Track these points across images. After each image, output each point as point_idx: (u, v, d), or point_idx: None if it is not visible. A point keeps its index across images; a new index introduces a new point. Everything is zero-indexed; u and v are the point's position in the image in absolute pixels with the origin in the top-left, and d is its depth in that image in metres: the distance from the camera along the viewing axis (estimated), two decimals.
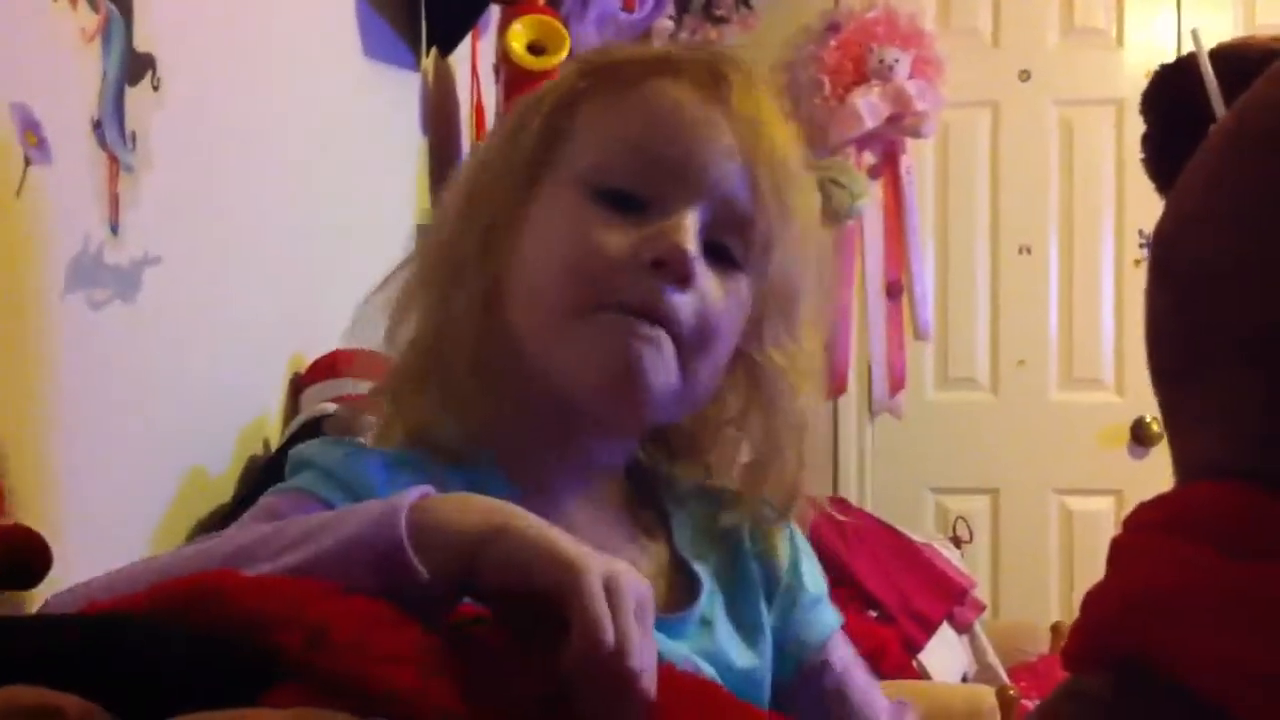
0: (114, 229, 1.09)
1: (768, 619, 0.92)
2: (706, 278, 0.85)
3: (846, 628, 0.98)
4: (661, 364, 0.84)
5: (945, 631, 2.58)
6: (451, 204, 0.92)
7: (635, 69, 0.89)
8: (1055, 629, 3.02)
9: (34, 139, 0.98)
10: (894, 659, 2.38)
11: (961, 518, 3.28)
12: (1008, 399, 3.56)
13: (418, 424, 0.88)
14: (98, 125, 1.07)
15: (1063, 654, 0.65)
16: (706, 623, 0.89)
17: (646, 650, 0.65)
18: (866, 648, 2.28)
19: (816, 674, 0.93)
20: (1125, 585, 0.63)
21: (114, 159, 1.09)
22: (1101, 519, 3.52)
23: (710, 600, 0.90)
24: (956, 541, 3.04)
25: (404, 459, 0.85)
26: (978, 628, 2.70)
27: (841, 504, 2.81)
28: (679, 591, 0.90)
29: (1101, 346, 3.53)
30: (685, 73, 0.88)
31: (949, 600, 2.59)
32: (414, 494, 0.68)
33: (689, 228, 0.84)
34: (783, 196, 0.87)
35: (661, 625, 0.78)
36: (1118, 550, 0.67)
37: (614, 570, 0.65)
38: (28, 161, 0.97)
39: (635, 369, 0.83)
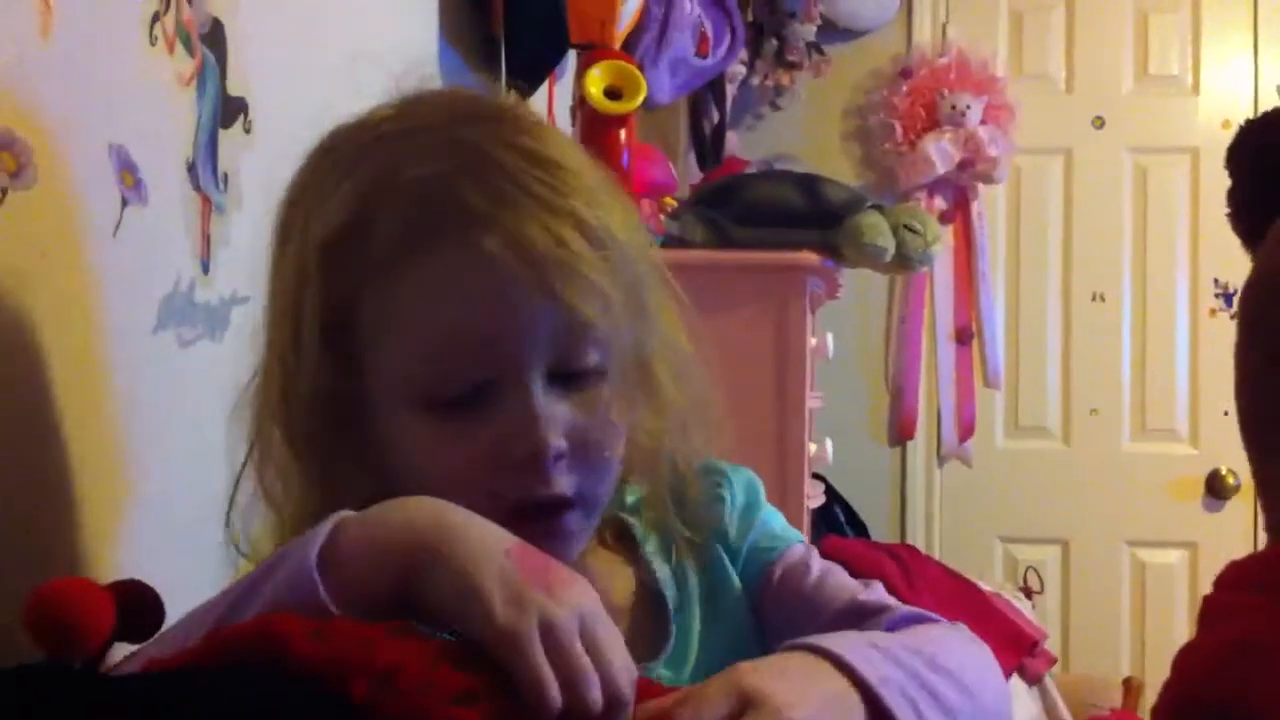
0: (205, 268, 1.11)
1: (735, 576, 0.94)
2: (573, 420, 0.81)
3: None
4: (577, 529, 0.84)
5: (1015, 683, 2.55)
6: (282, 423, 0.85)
7: (384, 247, 0.80)
8: (1127, 683, 2.98)
9: (131, 180, 1.01)
10: None
11: (1032, 568, 3.24)
12: (1079, 448, 3.52)
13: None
14: (192, 167, 1.09)
15: (1154, 713, 0.65)
16: (681, 659, 0.90)
17: (613, 674, 0.65)
18: None
19: (789, 579, 0.93)
20: (1219, 642, 0.63)
21: (207, 199, 1.11)
22: (1174, 572, 3.47)
23: (683, 616, 0.91)
24: (1027, 592, 3.00)
25: None
26: (1048, 680, 2.66)
27: (909, 551, 2.79)
28: (651, 625, 0.91)
29: (1176, 396, 3.48)
30: (432, 236, 0.79)
31: (1019, 652, 2.56)
32: (322, 535, 0.68)
33: (539, 408, 0.80)
34: (600, 291, 0.80)
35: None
36: (1210, 608, 0.66)
37: (548, 612, 0.65)
38: (125, 202, 1.00)
39: (560, 553, 0.78)
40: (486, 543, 0.69)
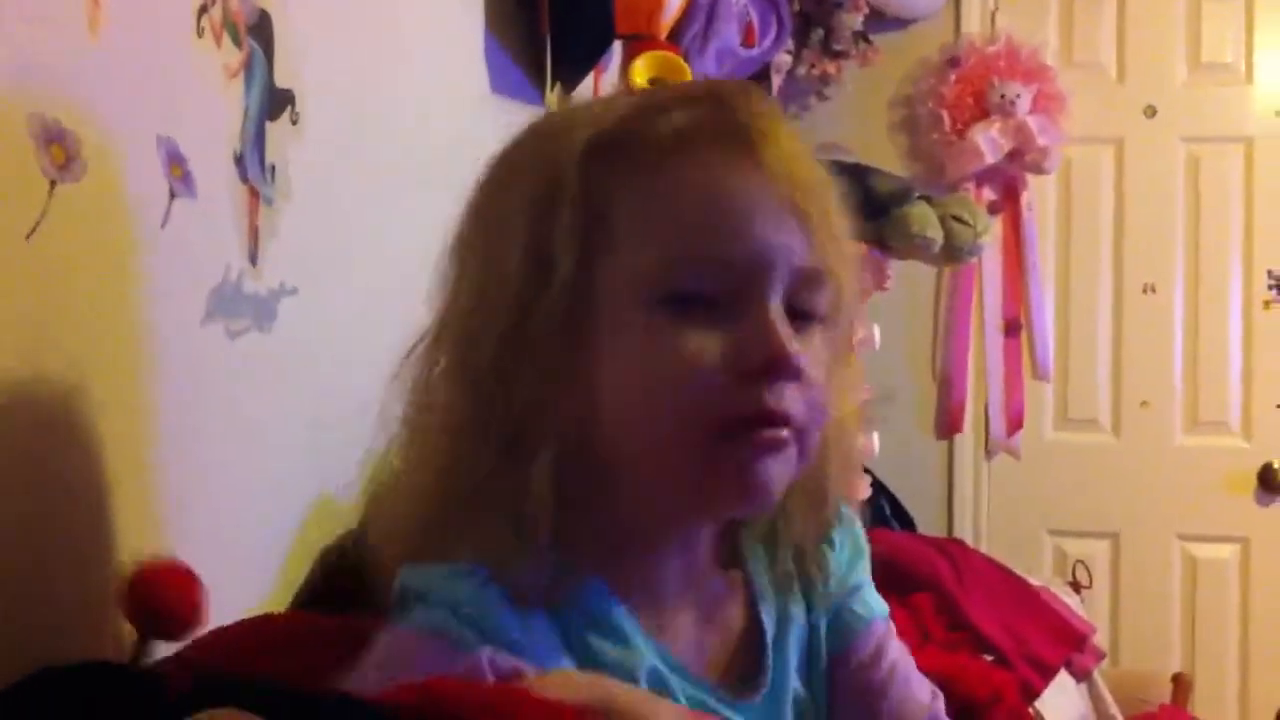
0: (253, 259, 1.11)
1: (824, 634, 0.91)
2: (803, 356, 0.80)
3: (964, 671, 0.99)
4: (788, 467, 0.81)
5: (1063, 678, 2.53)
6: (490, 354, 0.81)
7: (652, 148, 0.80)
8: (1177, 679, 2.94)
9: (179, 172, 1.01)
10: (1011, 705, 2.34)
11: (1080, 562, 3.21)
12: (1130, 441, 3.49)
13: (487, 554, 0.79)
14: (239, 159, 1.10)
15: None
16: (775, 699, 0.87)
17: None
18: (982, 692, 2.24)
19: (865, 666, 0.91)
20: None
21: (254, 191, 1.12)
22: (1226, 567, 3.43)
23: (779, 663, 0.88)
24: (1075, 586, 2.97)
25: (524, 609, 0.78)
26: (1097, 675, 2.64)
27: (957, 545, 2.77)
28: (749, 663, 0.88)
29: (1228, 389, 3.44)
30: (707, 139, 0.80)
31: (1068, 646, 2.54)
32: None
33: (778, 322, 0.79)
34: (832, 230, 0.83)
35: (733, 706, 0.81)
36: None
37: None
38: (173, 194, 1.00)
39: (765, 484, 0.80)
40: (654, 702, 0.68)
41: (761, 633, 0.89)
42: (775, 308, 0.79)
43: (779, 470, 0.80)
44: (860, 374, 0.93)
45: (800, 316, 0.81)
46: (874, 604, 0.94)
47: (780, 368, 0.78)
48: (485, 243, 0.84)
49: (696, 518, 0.86)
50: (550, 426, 0.80)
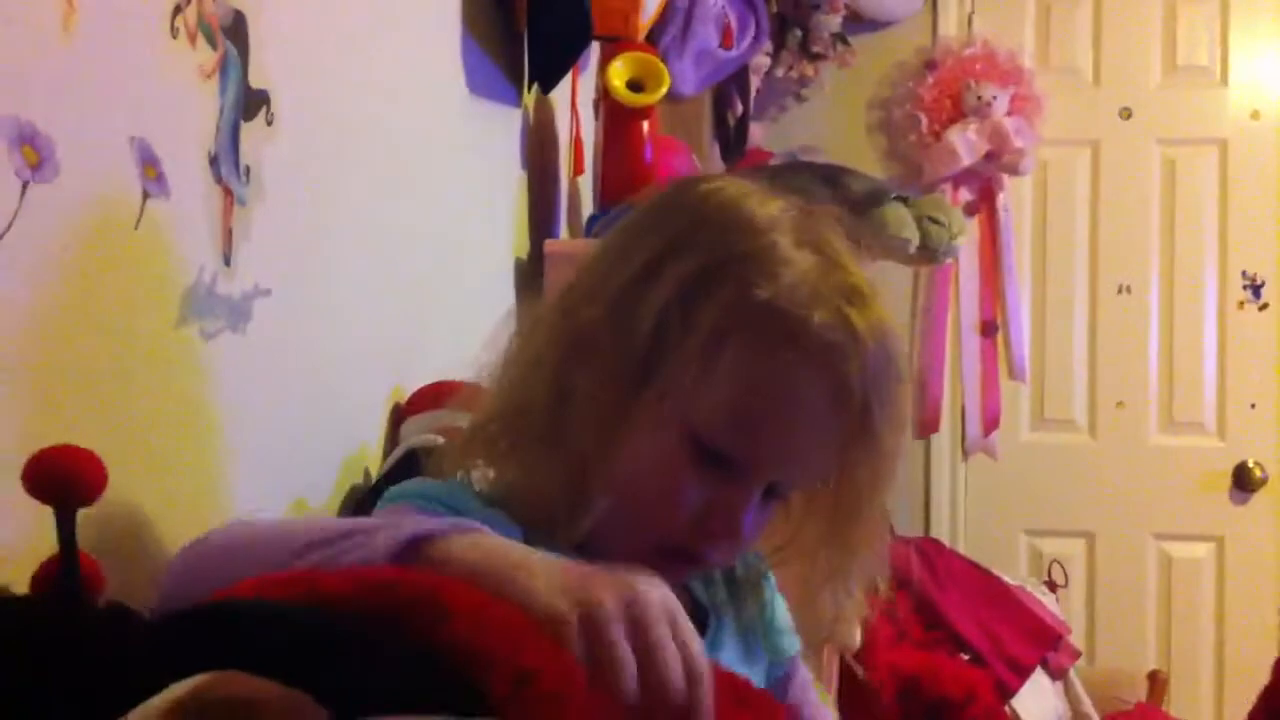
0: (227, 261, 1.11)
1: (763, 644, 1.04)
2: (750, 526, 0.93)
3: (939, 670, 1.09)
4: (677, 582, 0.89)
5: (1039, 677, 2.54)
6: (554, 339, 0.95)
7: (782, 331, 0.89)
8: (1152, 677, 2.96)
9: (152, 173, 1.01)
10: (986, 703, 2.35)
11: (1056, 561, 3.23)
12: (1105, 441, 3.51)
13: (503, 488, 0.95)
14: (214, 160, 1.09)
15: (1254, 716, 0.64)
16: (713, 650, 0.97)
17: (690, 653, 0.67)
18: (957, 691, 2.25)
19: (781, 685, 1.06)
20: None
21: (229, 192, 1.11)
22: (1201, 566, 3.45)
23: (717, 629, 1.00)
24: (1051, 585, 2.99)
25: (492, 510, 0.91)
26: (1073, 674, 2.66)
27: (934, 545, 2.78)
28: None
29: (1203, 389, 3.46)
30: (828, 359, 0.89)
31: (1043, 645, 2.55)
32: (428, 527, 0.72)
33: (747, 510, 0.92)
34: (882, 443, 0.94)
35: None
36: None
37: (592, 608, 0.66)
38: (146, 195, 1.00)
39: (681, 580, 0.96)
40: (558, 562, 0.71)
41: (698, 606, 1.00)
42: (757, 496, 0.92)
43: (681, 582, 0.96)
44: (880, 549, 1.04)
45: (769, 492, 0.94)
46: (795, 643, 1.08)
47: (723, 540, 0.93)
48: (629, 267, 0.93)
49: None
50: (572, 439, 0.92)
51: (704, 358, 0.89)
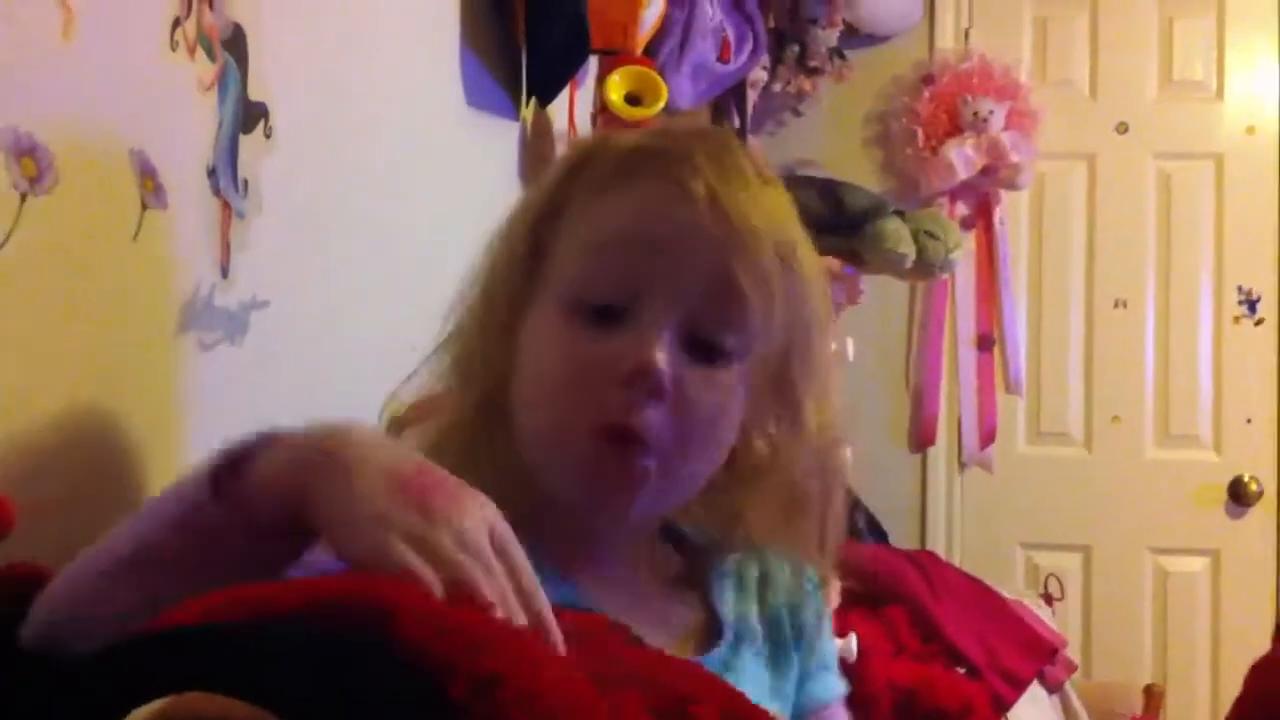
0: (225, 272, 1.12)
1: (796, 668, 0.98)
2: (690, 381, 0.86)
3: (935, 683, 1.05)
4: (636, 481, 0.86)
5: (1035, 690, 2.54)
6: (469, 300, 0.96)
7: (607, 171, 0.89)
8: (1148, 690, 2.96)
9: (151, 185, 1.01)
10: (982, 716, 2.35)
11: (1053, 575, 3.23)
12: (1101, 455, 3.51)
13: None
14: (212, 172, 1.10)
15: None
16: (727, 668, 0.92)
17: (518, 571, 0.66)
18: (954, 704, 2.25)
19: None
20: None
21: (227, 205, 1.12)
22: (1197, 579, 3.45)
23: (732, 650, 0.93)
24: (1047, 599, 2.99)
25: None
26: (1069, 688, 2.65)
27: (930, 558, 2.78)
28: (707, 638, 0.94)
29: (1199, 403, 3.47)
30: (657, 170, 0.88)
31: (1039, 658, 2.55)
32: (221, 455, 0.72)
33: (658, 339, 0.84)
34: (768, 283, 0.87)
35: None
36: None
37: (416, 527, 0.65)
38: (144, 206, 1.00)
39: (611, 492, 0.87)
40: (381, 464, 0.69)
41: (717, 623, 0.95)
42: (664, 330, 0.85)
43: (631, 481, 0.86)
44: (829, 451, 0.97)
45: (707, 348, 0.87)
46: (834, 686, 1.01)
47: (640, 379, 0.84)
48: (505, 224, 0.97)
49: (578, 503, 0.90)
50: (477, 373, 0.92)
51: (565, 238, 0.89)
